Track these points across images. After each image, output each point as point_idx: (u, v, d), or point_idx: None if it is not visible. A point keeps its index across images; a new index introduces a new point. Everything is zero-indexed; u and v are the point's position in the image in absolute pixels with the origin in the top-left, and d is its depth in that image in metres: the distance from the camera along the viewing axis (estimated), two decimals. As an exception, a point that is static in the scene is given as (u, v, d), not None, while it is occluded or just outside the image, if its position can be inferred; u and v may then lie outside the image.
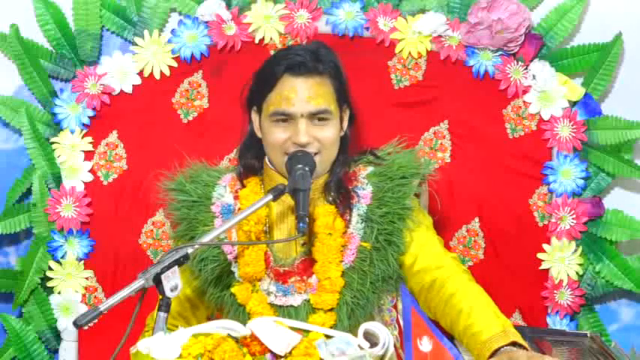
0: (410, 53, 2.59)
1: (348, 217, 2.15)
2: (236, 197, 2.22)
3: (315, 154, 2.12)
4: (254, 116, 2.23)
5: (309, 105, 2.12)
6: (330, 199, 2.17)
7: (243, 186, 2.23)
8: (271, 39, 2.59)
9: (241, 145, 2.29)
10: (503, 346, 1.91)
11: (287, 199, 2.12)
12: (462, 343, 2.01)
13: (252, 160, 2.25)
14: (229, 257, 2.18)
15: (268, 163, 2.22)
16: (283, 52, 2.28)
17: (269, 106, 2.15)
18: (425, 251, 2.14)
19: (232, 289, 2.16)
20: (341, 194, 2.16)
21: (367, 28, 2.59)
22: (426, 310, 2.11)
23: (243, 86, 2.25)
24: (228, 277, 2.18)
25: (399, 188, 2.17)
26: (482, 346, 1.93)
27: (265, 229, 2.19)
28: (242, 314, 2.13)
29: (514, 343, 1.92)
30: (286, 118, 2.12)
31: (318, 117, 2.13)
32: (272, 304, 2.14)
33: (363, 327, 1.73)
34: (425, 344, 1.74)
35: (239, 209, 2.19)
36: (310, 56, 2.15)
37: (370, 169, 2.22)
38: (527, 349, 1.91)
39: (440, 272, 2.10)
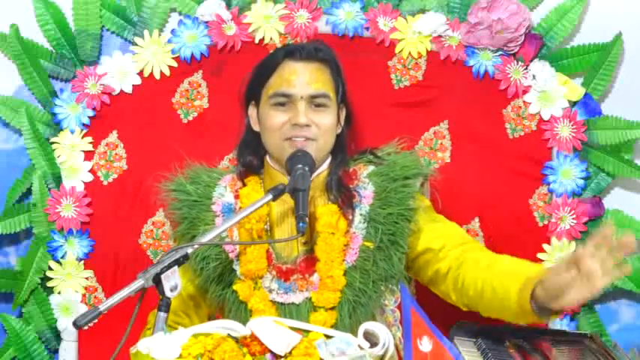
0: (410, 53, 2.59)
1: (351, 217, 2.16)
2: (236, 196, 2.22)
3: (312, 140, 2.13)
4: (251, 111, 2.24)
5: (309, 87, 2.14)
6: (332, 197, 2.17)
7: (244, 185, 2.23)
8: (271, 39, 2.59)
9: (240, 142, 2.29)
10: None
11: (288, 197, 2.13)
12: (495, 282, 1.96)
13: (251, 157, 2.25)
14: (231, 255, 2.18)
15: (269, 160, 2.22)
16: (283, 46, 2.31)
17: (268, 89, 2.17)
18: (452, 235, 2.15)
19: (234, 287, 2.16)
20: (342, 193, 2.17)
21: (367, 28, 2.59)
22: (452, 287, 2.09)
23: (241, 83, 2.26)
24: (230, 275, 2.18)
25: (402, 189, 2.17)
26: (532, 273, 1.88)
27: (266, 227, 2.19)
28: (244, 311, 2.14)
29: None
30: (286, 101, 2.14)
31: (317, 102, 2.15)
32: (273, 302, 2.14)
33: (363, 327, 1.74)
34: (425, 344, 1.74)
35: (240, 208, 2.19)
36: (311, 45, 2.20)
37: (371, 168, 2.22)
38: None
39: (471, 250, 2.11)
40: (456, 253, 2.11)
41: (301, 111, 2.13)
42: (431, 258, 2.15)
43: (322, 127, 2.15)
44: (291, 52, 2.18)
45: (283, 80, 2.15)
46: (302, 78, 2.15)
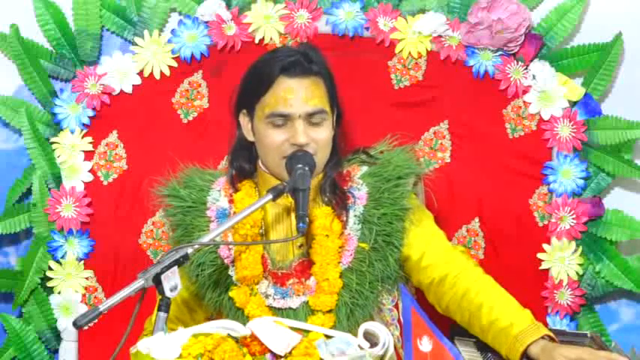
0: (410, 53, 2.59)
1: (345, 219, 2.15)
2: (231, 201, 2.21)
3: (312, 155, 2.12)
4: (243, 119, 2.21)
5: (306, 105, 2.11)
6: (326, 199, 2.17)
7: (237, 190, 2.22)
8: (271, 39, 2.59)
9: (231, 150, 2.26)
10: (535, 340, 1.93)
11: (282, 201, 2.12)
12: (486, 337, 2.02)
13: (244, 163, 2.23)
14: (226, 261, 2.17)
15: (262, 166, 2.21)
16: (272, 54, 2.22)
17: (264, 107, 2.12)
18: (432, 246, 2.15)
19: (230, 293, 2.15)
20: (337, 195, 2.16)
21: (367, 28, 2.59)
22: (436, 304, 2.13)
23: (231, 92, 2.23)
24: (225, 281, 2.17)
25: (396, 189, 2.17)
26: (515, 340, 1.94)
27: (261, 232, 2.18)
28: (241, 318, 2.12)
29: (544, 336, 1.94)
30: (283, 120, 2.11)
31: (314, 118, 2.12)
32: (270, 307, 2.13)
33: (363, 327, 1.74)
34: (425, 344, 1.74)
35: (234, 213, 2.17)
36: (303, 57, 2.14)
37: (364, 168, 2.22)
38: (556, 341, 1.94)
39: (451, 267, 2.11)
40: (437, 268, 2.12)
41: (300, 131, 2.09)
42: (412, 267, 2.16)
43: (320, 142, 2.13)
44: (286, 68, 2.11)
45: (279, 99, 2.10)
46: (298, 96, 2.10)
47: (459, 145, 2.63)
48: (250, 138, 2.20)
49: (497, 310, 2.01)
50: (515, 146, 2.62)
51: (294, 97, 2.10)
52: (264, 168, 2.19)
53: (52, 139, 2.62)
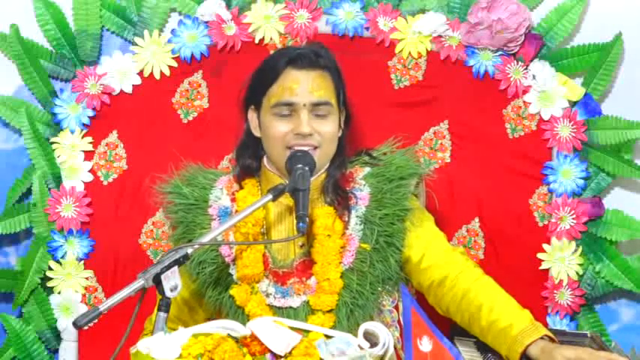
0: (410, 53, 2.59)
1: (347, 219, 2.15)
2: (233, 199, 2.22)
3: (315, 147, 2.13)
4: (251, 115, 2.23)
5: (311, 96, 2.13)
6: (329, 200, 2.17)
7: (241, 187, 2.23)
8: (271, 39, 2.59)
9: (238, 145, 2.28)
10: (535, 341, 1.93)
11: (284, 201, 2.13)
12: (485, 338, 2.03)
13: (249, 160, 2.25)
14: (227, 259, 2.17)
15: (266, 164, 2.22)
16: (283, 49, 2.29)
17: (270, 98, 2.15)
18: (432, 248, 2.16)
19: (231, 291, 2.16)
20: (339, 195, 2.16)
21: (367, 28, 2.59)
22: (437, 306, 2.13)
23: (241, 87, 2.25)
24: (226, 279, 2.17)
25: (398, 190, 2.17)
26: (514, 341, 1.95)
27: (263, 231, 2.18)
28: (241, 316, 2.13)
29: (543, 337, 1.95)
30: (288, 110, 2.13)
31: (319, 110, 2.14)
32: (271, 306, 2.14)
33: (363, 327, 1.74)
34: (425, 344, 1.74)
35: (236, 211, 2.19)
36: (311, 52, 2.17)
37: (367, 170, 2.22)
38: (555, 341, 1.95)
39: (451, 268, 2.11)
40: (437, 270, 2.12)
41: (304, 120, 2.12)
42: (412, 268, 2.16)
43: (325, 134, 2.14)
44: (292, 60, 2.15)
45: (285, 89, 2.13)
46: (304, 86, 2.13)
47: (459, 145, 2.63)
48: (257, 134, 2.22)
49: (497, 310, 2.01)
50: (515, 146, 2.62)
51: (300, 87, 2.13)
52: (269, 166, 2.21)
53: (52, 139, 2.62)
